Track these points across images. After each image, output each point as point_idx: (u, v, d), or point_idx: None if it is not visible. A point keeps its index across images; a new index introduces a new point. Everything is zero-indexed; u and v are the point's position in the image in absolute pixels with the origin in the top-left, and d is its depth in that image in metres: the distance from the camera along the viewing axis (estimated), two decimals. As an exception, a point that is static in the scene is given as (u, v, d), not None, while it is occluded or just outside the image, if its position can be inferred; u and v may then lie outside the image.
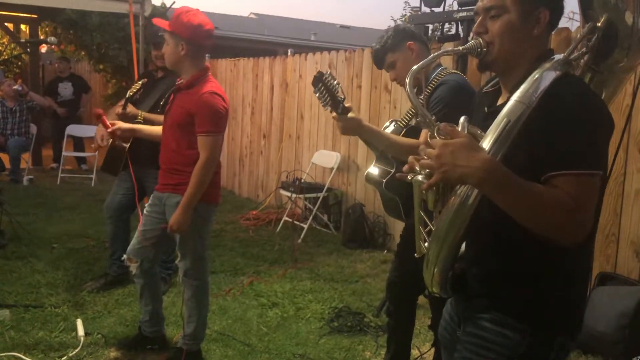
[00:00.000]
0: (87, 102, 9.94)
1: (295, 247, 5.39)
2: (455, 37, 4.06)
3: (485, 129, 1.38)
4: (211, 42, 2.95)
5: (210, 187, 2.93)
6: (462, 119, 1.39)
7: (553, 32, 1.56)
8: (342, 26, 23.58)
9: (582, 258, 1.45)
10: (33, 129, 8.53)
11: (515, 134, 1.32)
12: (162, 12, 8.54)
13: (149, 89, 3.93)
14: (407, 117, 2.87)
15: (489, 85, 1.62)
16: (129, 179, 3.95)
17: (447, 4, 3.95)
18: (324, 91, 2.28)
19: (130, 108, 3.60)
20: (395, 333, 3.00)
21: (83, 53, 10.22)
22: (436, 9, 3.96)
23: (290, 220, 6.16)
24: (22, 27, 11.08)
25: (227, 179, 8.40)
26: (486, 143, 1.33)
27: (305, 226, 5.95)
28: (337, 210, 6.27)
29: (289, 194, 6.21)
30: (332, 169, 6.17)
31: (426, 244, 1.45)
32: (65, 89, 9.32)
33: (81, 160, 9.50)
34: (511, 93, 1.41)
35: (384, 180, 2.82)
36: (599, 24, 1.51)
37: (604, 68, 1.56)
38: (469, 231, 1.37)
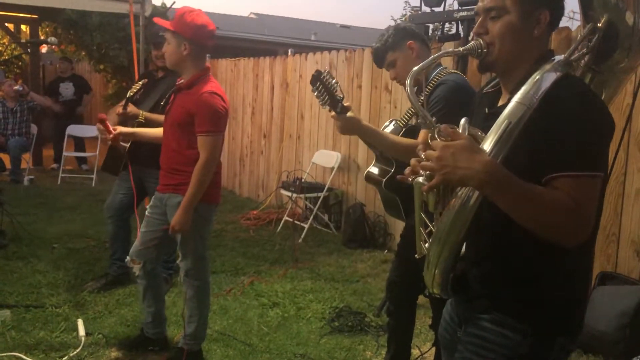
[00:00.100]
0: (87, 103, 9.94)
1: (296, 247, 5.39)
2: (455, 37, 4.06)
3: (485, 130, 1.38)
4: (213, 42, 2.95)
5: (211, 187, 2.93)
6: (462, 120, 1.39)
7: (553, 32, 1.56)
8: (342, 26, 23.56)
9: (582, 259, 1.45)
10: (33, 129, 8.53)
11: (516, 135, 1.32)
12: (162, 12, 8.53)
13: (150, 89, 3.94)
14: (406, 117, 2.87)
15: (489, 85, 1.62)
16: (130, 179, 3.96)
17: (447, 4, 3.95)
18: (322, 90, 2.28)
19: (131, 108, 3.60)
20: (395, 333, 3.00)
21: (83, 53, 10.23)
22: (436, 9, 3.96)
23: (290, 220, 6.16)
24: (23, 27, 11.09)
25: (228, 178, 8.40)
26: (487, 145, 1.33)
27: (306, 226, 5.95)
28: (338, 210, 6.27)
29: (289, 193, 6.22)
30: (332, 168, 6.17)
31: (426, 245, 1.45)
32: (67, 89, 9.33)
33: (81, 161, 9.50)
34: (512, 94, 1.41)
35: (384, 180, 2.82)
36: (599, 25, 1.51)
37: (605, 68, 1.56)
38: (470, 232, 1.37)
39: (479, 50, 1.47)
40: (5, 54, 11.54)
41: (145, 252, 3.04)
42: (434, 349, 3.10)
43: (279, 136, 7.33)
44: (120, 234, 4.11)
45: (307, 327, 3.71)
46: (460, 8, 3.77)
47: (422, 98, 2.58)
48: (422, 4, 4.04)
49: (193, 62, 2.88)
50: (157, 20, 2.99)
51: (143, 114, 3.64)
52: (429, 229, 1.45)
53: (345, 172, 6.22)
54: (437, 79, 2.60)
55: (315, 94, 2.29)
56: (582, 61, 1.54)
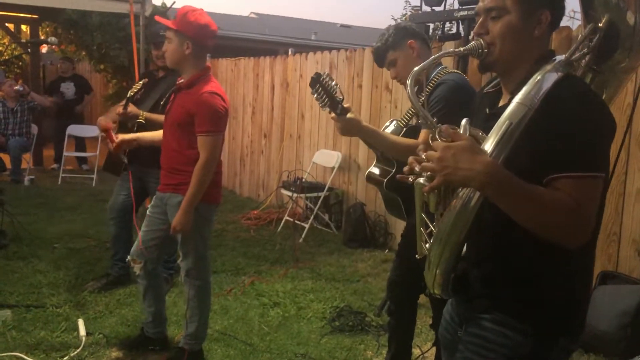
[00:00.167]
0: (88, 102, 9.94)
1: (297, 246, 5.39)
2: (456, 36, 4.05)
3: (486, 130, 1.38)
4: (214, 42, 2.95)
5: (212, 187, 2.93)
6: (463, 121, 1.39)
7: (554, 32, 1.56)
8: (342, 25, 23.56)
9: (584, 259, 1.45)
10: (34, 129, 8.53)
11: (517, 136, 1.32)
12: (162, 12, 8.53)
13: (150, 88, 3.94)
14: (407, 117, 2.87)
15: (490, 85, 1.62)
16: (131, 179, 3.96)
17: (447, 3, 3.94)
18: (322, 92, 2.28)
19: (132, 108, 3.60)
20: (396, 332, 3.00)
21: (84, 53, 10.23)
22: (437, 8, 3.95)
23: (291, 219, 6.16)
24: (23, 27, 11.09)
25: (228, 178, 8.40)
26: (488, 145, 1.33)
27: (306, 226, 5.95)
28: (338, 209, 6.27)
29: (290, 193, 6.22)
30: (333, 168, 6.17)
31: (427, 246, 1.45)
32: (68, 89, 9.34)
33: (82, 161, 9.50)
34: (512, 94, 1.41)
35: (385, 180, 2.82)
36: (600, 25, 1.51)
37: (605, 68, 1.56)
38: (471, 233, 1.37)
39: (480, 51, 1.47)
40: (5, 54, 11.54)
41: (146, 251, 3.04)
42: (434, 348, 3.10)
43: (280, 136, 7.33)
44: (122, 235, 4.11)
45: (308, 326, 3.71)
46: (460, 7, 3.77)
47: (423, 98, 2.58)
48: (423, 4, 4.04)
49: (194, 61, 2.88)
50: (158, 18, 2.98)
51: (143, 114, 3.64)
52: (429, 229, 1.45)
53: (346, 172, 6.22)
54: (438, 79, 2.61)
55: (315, 96, 2.29)
56: (583, 61, 1.54)
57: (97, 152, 8.60)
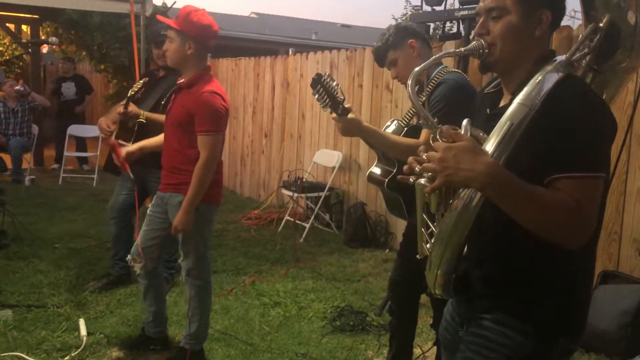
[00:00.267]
0: (89, 103, 9.94)
1: (297, 246, 5.39)
2: (456, 36, 4.05)
3: (487, 130, 1.38)
4: (215, 42, 2.96)
5: (212, 187, 2.93)
6: (464, 121, 1.39)
7: (554, 31, 1.56)
8: (343, 25, 23.57)
9: (584, 259, 1.45)
10: (35, 129, 8.54)
11: (518, 137, 1.32)
12: (163, 11, 8.54)
13: (151, 88, 3.93)
14: (408, 116, 2.87)
15: (491, 86, 1.62)
16: (132, 179, 3.96)
17: (448, 3, 3.94)
18: (323, 93, 2.28)
19: (132, 107, 3.59)
20: (397, 332, 3.00)
21: (84, 53, 10.23)
22: (437, 8, 3.95)
23: (291, 219, 6.16)
24: (24, 27, 11.10)
25: (229, 178, 8.40)
26: (489, 146, 1.33)
27: (307, 225, 5.95)
28: (339, 209, 6.26)
29: (290, 193, 6.22)
30: (333, 168, 6.17)
31: (428, 246, 1.45)
32: (68, 89, 9.34)
33: (83, 161, 9.51)
34: (513, 95, 1.41)
35: (386, 180, 2.82)
36: (601, 25, 1.51)
37: (606, 68, 1.56)
38: (472, 233, 1.37)
39: (481, 51, 1.47)
40: (6, 54, 11.55)
41: (146, 251, 3.04)
42: (435, 348, 3.10)
43: (280, 136, 7.33)
44: (123, 234, 4.10)
45: (309, 326, 3.71)
46: (461, 7, 3.77)
47: (424, 98, 2.58)
48: (423, 3, 4.04)
49: (196, 61, 2.89)
50: (160, 18, 2.98)
51: (144, 113, 3.64)
52: (430, 229, 1.45)
53: (347, 172, 6.22)
54: (438, 78, 2.61)
55: (316, 97, 2.30)
56: (584, 61, 1.54)
57: (98, 152, 8.60)
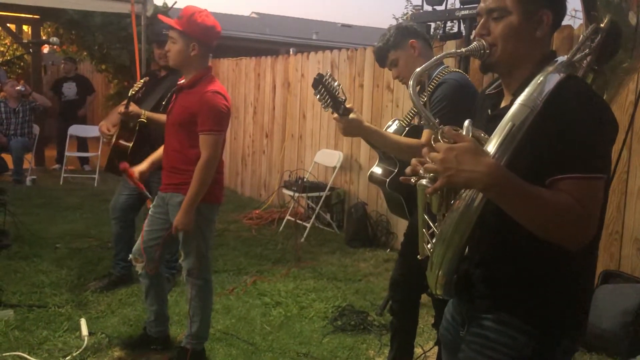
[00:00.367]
0: (90, 103, 9.94)
1: (298, 246, 5.40)
2: (457, 36, 4.06)
3: (488, 131, 1.38)
4: (216, 43, 2.96)
5: (214, 187, 2.94)
6: (466, 122, 1.39)
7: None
8: (343, 25, 23.56)
9: (586, 260, 1.45)
10: (36, 129, 8.54)
11: (520, 137, 1.32)
12: (163, 11, 8.54)
13: (152, 87, 3.93)
14: (409, 116, 2.87)
15: (492, 87, 1.62)
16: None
17: (449, 2, 3.94)
18: (325, 93, 2.29)
19: (133, 107, 3.59)
20: (398, 331, 3.00)
21: (85, 53, 10.23)
22: (438, 7, 3.95)
23: (293, 219, 6.17)
24: (25, 27, 11.10)
25: (230, 178, 8.41)
26: (491, 147, 1.33)
27: (308, 225, 5.95)
28: (340, 209, 6.27)
29: (291, 193, 6.22)
30: (334, 167, 6.17)
31: (429, 246, 1.45)
32: (69, 89, 9.35)
33: (84, 161, 9.51)
34: (514, 96, 1.41)
35: (388, 180, 2.82)
36: (602, 25, 1.51)
37: (607, 69, 1.56)
38: (473, 233, 1.37)
39: (482, 51, 1.47)
40: (7, 54, 11.56)
41: (148, 251, 3.05)
42: (436, 347, 3.10)
43: (281, 135, 7.33)
44: (124, 234, 4.11)
45: (310, 326, 3.71)
46: (461, 7, 3.77)
47: (425, 98, 2.58)
48: (424, 3, 4.04)
49: (198, 62, 2.90)
50: (164, 18, 2.98)
51: (145, 113, 3.63)
52: (431, 230, 1.45)
53: (347, 172, 6.22)
54: (439, 78, 2.61)
55: (318, 97, 2.30)
56: (585, 62, 1.54)
57: (99, 152, 8.60)
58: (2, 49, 12.80)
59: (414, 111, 2.85)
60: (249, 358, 3.27)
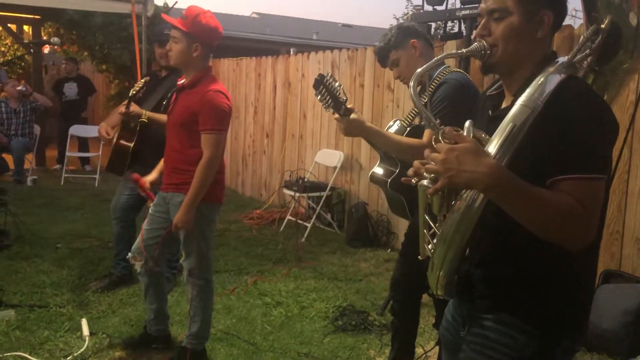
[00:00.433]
0: (91, 104, 9.95)
1: (299, 246, 5.40)
2: (457, 36, 4.06)
3: (489, 132, 1.38)
4: (217, 43, 2.97)
5: (215, 187, 2.94)
6: (467, 123, 1.39)
7: (555, 31, 1.56)
8: (344, 25, 23.55)
9: (587, 260, 1.45)
10: (36, 129, 8.55)
11: (521, 138, 1.32)
12: (164, 12, 8.54)
13: (152, 87, 3.93)
14: (410, 116, 2.87)
15: (493, 88, 1.62)
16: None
17: (449, 2, 3.94)
18: (326, 93, 2.29)
19: (134, 107, 3.59)
20: (399, 331, 3.00)
21: (86, 53, 10.24)
22: (438, 7, 3.95)
23: (293, 219, 6.17)
24: (25, 28, 11.11)
25: (231, 178, 8.41)
26: (492, 148, 1.33)
27: (309, 225, 5.95)
28: (341, 209, 6.27)
29: (292, 193, 6.22)
30: (335, 167, 6.18)
31: (430, 247, 1.45)
32: (70, 89, 9.36)
33: (84, 161, 9.52)
34: (515, 96, 1.41)
35: (389, 180, 2.82)
36: (602, 26, 1.51)
37: (607, 70, 1.56)
38: (474, 234, 1.37)
39: (482, 52, 1.47)
40: (8, 54, 11.57)
41: (147, 249, 3.05)
42: (437, 347, 3.10)
43: (282, 135, 7.33)
44: (125, 234, 4.11)
45: (311, 326, 3.72)
46: (462, 6, 3.77)
47: (426, 99, 2.58)
48: (424, 3, 4.04)
49: (200, 62, 2.91)
50: (167, 18, 2.98)
51: (146, 113, 3.63)
52: (432, 230, 1.45)
53: (348, 171, 6.22)
54: (440, 78, 2.61)
55: (319, 97, 2.30)
56: (585, 62, 1.54)
57: (100, 153, 8.61)
58: (3, 49, 12.81)
59: (415, 111, 2.85)
60: (249, 358, 3.28)
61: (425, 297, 3.01)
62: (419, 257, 1.51)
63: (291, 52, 7.20)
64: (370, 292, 4.35)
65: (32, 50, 9.40)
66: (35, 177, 8.21)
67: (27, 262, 4.63)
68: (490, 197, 1.30)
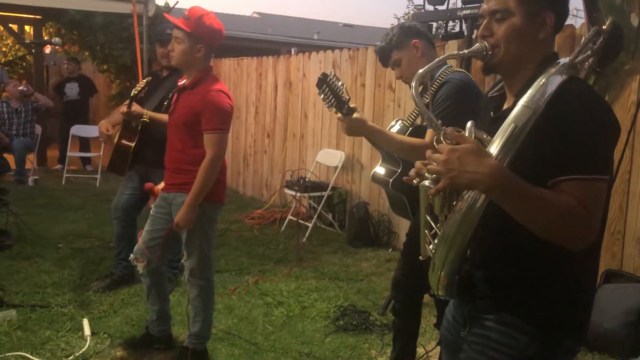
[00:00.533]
0: (92, 103, 9.95)
1: (300, 246, 5.40)
2: (459, 35, 4.06)
3: (491, 133, 1.38)
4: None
5: (217, 187, 2.94)
6: (469, 123, 1.39)
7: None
8: (345, 25, 23.54)
9: (588, 261, 1.45)
10: (38, 129, 8.55)
11: (522, 139, 1.32)
12: (165, 11, 8.55)
13: (154, 87, 3.94)
14: (412, 116, 2.87)
15: (495, 89, 1.62)
16: (135, 179, 3.97)
17: (450, 2, 3.95)
18: (329, 92, 2.29)
19: (135, 107, 3.60)
20: (400, 331, 3.00)
21: (87, 53, 10.25)
22: (440, 7, 3.95)
23: (294, 219, 6.17)
24: (26, 28, 11.11)
25: (232, 178, 8.41)
26: (493, 148, 1.33)
27: (310, 225, 5.96)
28: (342, 209, 6.27)
29: (293, 192, 6.22)
30: (336, 167, 6.18)
31: (431, 247, 1.45)
32: (72, 89, 9.36)
33: (86, 161, 9.52)
34: (517, 97, 1.41)
35: (391, 180, 2.82)
36: (604, 27, 1.51)
37: (609, 71, 1.56)
38: (475, 234, 1.37)
39: (484, 53, 1.47)
40: (9, 54, 11.58)
41: (149, 250, 3.05)
42: (438, 347, 3.09)
43: (283, 135, 7.33)
44: (126, 234, 4.11)
45: (312, 326, 3.72)
46: (463, 6, 3.77)
47: (428, 99, 2.58)
48: (426, 3, 4.04)
49: (201, 63, 2.91)
50: (171, 18, 2.98)
51: (147, 113, 3.64)
52: (434, 231, 1.45)
53: (349, 171, 6.22)
54: (442, 78, 2.61)
55: (322, 96, 2.30)
56: (587, 63, 1.54)
57: (101, 152, 8.61)
58: (4, 49, 12.81)
59: (417, 111, 2.85)
60: (251, 358, 3.28)
61: (426, 297, 3.01)
62: (420, 257, 1.52)
63: (292, 52, 7.21)
64: (371, 292, 4.35)
65: (33, 50, 9.40)
66: (37, 177, 8.22)
67: (28, 262, 4.64)
68: (491, 198, 1.30)
